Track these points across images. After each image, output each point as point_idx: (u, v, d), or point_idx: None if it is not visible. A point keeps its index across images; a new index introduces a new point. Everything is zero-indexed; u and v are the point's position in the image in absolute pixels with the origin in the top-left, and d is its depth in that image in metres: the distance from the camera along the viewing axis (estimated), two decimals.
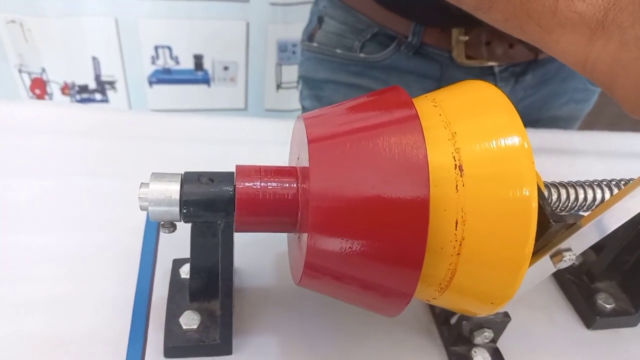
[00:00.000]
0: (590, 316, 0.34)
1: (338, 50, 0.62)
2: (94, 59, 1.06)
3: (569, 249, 0.24)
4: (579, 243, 0.24)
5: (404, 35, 0.56)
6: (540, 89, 0.62)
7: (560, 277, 0.37)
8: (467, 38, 0.55)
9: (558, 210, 0.27)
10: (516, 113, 0.23)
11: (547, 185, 0.27)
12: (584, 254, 0.37)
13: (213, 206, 0.24)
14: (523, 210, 0.21)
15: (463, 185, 0.22)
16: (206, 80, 1.15)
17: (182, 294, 0.31)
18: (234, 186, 0.24)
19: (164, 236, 0.36)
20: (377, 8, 0.58)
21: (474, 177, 0.22)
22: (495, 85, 0.60)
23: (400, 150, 0.22)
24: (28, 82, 1.07)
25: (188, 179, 0.25)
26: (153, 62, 1.10)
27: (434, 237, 0.22)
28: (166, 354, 0.29)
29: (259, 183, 0.24)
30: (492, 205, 0.21)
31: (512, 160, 0.22)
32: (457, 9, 0.35)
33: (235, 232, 0.26)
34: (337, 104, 0.26)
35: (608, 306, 0.34)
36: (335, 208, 0.22)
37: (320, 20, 0.64)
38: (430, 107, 0.24)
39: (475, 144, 0.22)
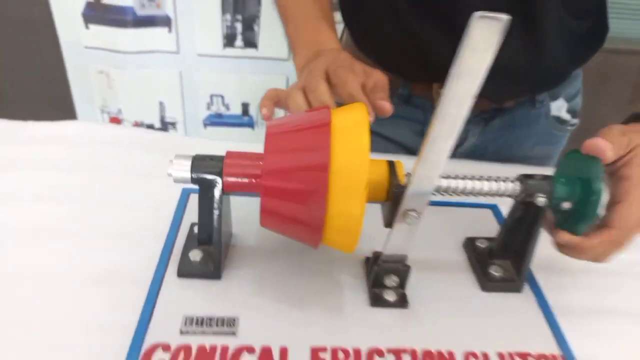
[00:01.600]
0: (484, 281, 0.46)
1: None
2: (161, 103, 1.29)
3: (413, 209, 0.38)
4: (415, 202, 0.38)
5: (396, 88, 0.71)
6: (508, 132, 0.74)
7: (470, 256, 0.49)
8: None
9: None
10: (367, 127, 0.36)
11: (407, 174, 0.40)
12: (490, 239, 0.49)
13: (210, 170, 0.40)
14: (357, 185, 0.35)
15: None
16: (251, 124, 1.35)
17: (193, 242, 0.46)
18: (223, 160, 0.40)
19: (188, 211, 0.52)
20: (377, 68, 0.74)
21: (338, 169, 0.36)
22: (468, 129, 0.72)
23: (314, 142, 0.37)
24: (107, 120, 1.31)
25: (197, 157, 0.41)
26: (208, 108, 1.31)
27: None
28: (178, 275, 0.44)
29: (243, 160, 0.40)
30: (345, 180, 0.36)
31: (357, 154, 0.36)
32: (440, 65, 0.53)
33: (224, 191, 0.41)
34: (292, 115, 0.41)
35: (497, 274, 0.46)
36: (276, 175, 0.36)
37: None
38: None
39: (341, 147, 0.36)
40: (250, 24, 1.18)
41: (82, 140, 0.62)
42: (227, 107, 1.31)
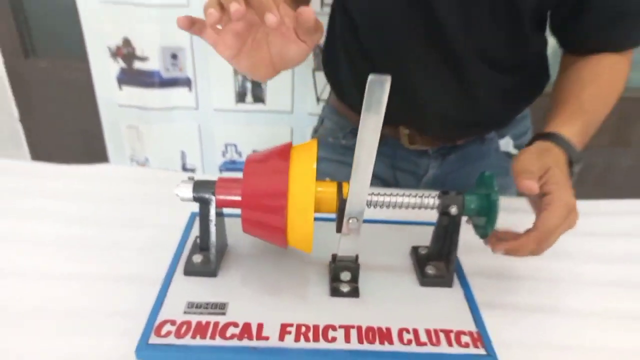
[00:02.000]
0: (422, 278, 0.58)
1: (330, 139, 0.92)
2: (182, 152, 1.45)
3: (354, 217, 0.51)
4: (354, 211, 0.51)
5: None
6: (463, 165, 0.87)
7: (413, 260, 0.61)
8: (408, 131, 0.84)
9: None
10: (314, 160, 0.50)
11: None
12: (428, 246, 0.62)
13: (206, 191, 0.54)
14: (307, 202, 0.49)
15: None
16: None
17: (196, 249, 0.60)
18: (216, 184, 0.54)
19: (194, 229, 0.66)
20: (355, 115, 0.88)
21: (293, 191, 0.49)
22: (429, 162, 0.86)
23: (277, 171, 0.51)
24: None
25: (197, 182, 0.55)
26: (223, 155, 1.47)
27: None
28: (184, 273, 0.57)
29: (229, 183, 0.54)
30: (299, 196, 0.49)
31: (307, 177, 0.49)
32: (402, 113, 0.66)
33: (217, 206, 0.55)
34: (265, 150, 0.55)
35: (431, 272, 0.58)
36: (251, 195, 0.50)
37: (322, 120, 0.96)
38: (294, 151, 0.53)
39: (296, 175, 0.50)
40: (258, 83, 1.36)
41: (113, 177, 0.78)
42: (239, 154, 1.47)
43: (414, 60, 0.71)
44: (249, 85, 1.36)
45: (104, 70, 1.33)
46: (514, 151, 0.87)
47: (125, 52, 1.28)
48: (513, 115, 0.83)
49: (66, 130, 1.69)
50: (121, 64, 1.31)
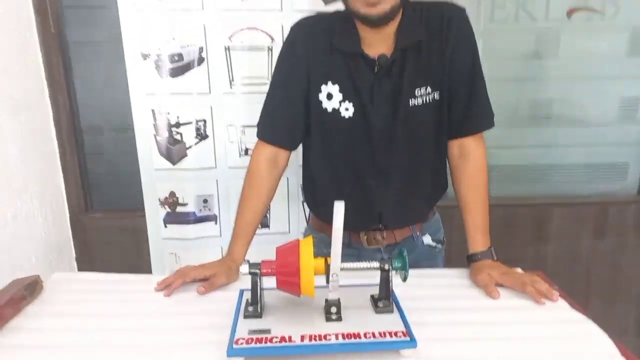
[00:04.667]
0: (375, 309, 1.01)
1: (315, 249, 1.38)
2: None
3: (335, 273, 0.96)
4: (334, 270, 0.96)
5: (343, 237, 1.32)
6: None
7: (372, 301, 1.04)
8: (366, 237, 1.32)
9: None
10: (312, 249, 0.97)
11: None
12: (378, 294, 1.06)
13: (256, 268, 0.99)
14: (310, 268, 0.94)
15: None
16: None
17: (248, 304, 1.02)
18: (261, 264, 0.99)
19: (243, 298, 1.08)
20: (329, 226, 1.36)
21: (302, 265, 0.95)
22: (382, 256, 1.35)
23: (293, 254, 0.97)
24: None
25: (251, 264, 1.00)
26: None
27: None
28: (244, 317, 0.99)
29: (268, 263, 0.99)
30: (305, 266, 0.95)
31: (308, 256, 0.95)
32: (362, 220, 1.17)
33: (261, 276, 0.99)
34: (288, 242, 1.01)
35: (381, 305, 1.01)
36: (280, 269, 0.95)
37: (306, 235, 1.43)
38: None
39: (304, 254, 0.96)
40: (265, 214, 1.84)
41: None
42: None
43: (371, 174, 1.21)
44: None
45: (154, 216, 1.81)
46: (432, 244, 1.34)
47: (170, 201, 1.78)
48: (428, 211, 1.33)
49: (115, 264, 2.12)
50: (167, 209, 1.79)
